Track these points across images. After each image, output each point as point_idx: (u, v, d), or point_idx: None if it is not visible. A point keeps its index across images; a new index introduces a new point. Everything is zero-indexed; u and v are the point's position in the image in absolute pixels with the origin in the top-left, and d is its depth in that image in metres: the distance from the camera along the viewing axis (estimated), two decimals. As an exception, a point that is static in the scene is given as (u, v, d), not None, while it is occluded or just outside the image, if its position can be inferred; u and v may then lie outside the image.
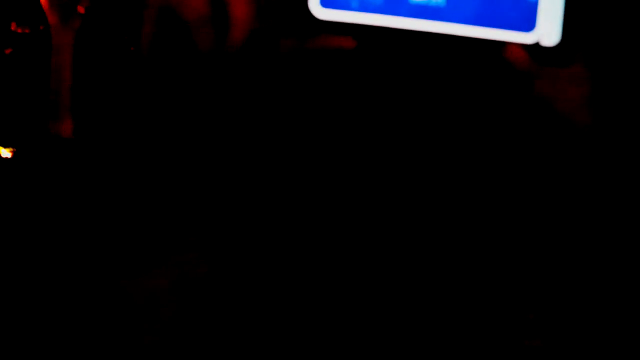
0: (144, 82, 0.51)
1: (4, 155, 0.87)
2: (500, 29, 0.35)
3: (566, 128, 0.40)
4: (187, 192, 0.50)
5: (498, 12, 0.35)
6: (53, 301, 0.56)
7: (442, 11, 0.35)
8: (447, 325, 0.52)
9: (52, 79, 0.70)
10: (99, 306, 0.54)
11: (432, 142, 0.51)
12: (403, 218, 0.51)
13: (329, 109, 0.50)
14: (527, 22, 0.35)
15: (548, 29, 0.35)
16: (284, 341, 0.52)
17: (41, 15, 0.76)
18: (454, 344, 0.52)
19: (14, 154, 0.83)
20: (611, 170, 0.41)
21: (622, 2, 0.37)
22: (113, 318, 0.54)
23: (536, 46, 0.36)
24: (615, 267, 0.45)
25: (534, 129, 0.47)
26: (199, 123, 0.48)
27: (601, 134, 0.40)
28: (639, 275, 0.44)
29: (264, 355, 0.53)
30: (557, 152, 0.44)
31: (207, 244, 0.53)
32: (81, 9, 0.78)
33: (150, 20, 0.49)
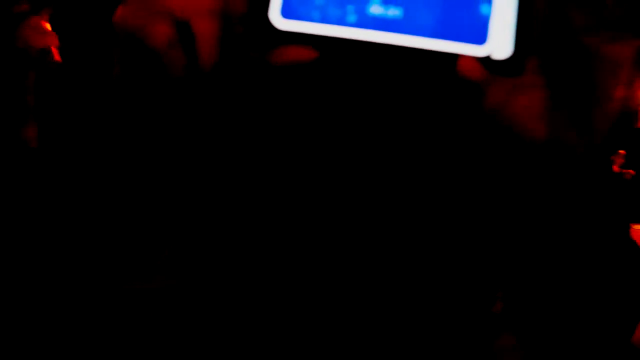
0: (114, 99, 0.51)
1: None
2: (453, 41, 0.39)
3: (518, 137, 0.42)
4: (156, 203, 0.52)
5: (452, 26, 0.38)
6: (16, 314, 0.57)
7: (399, 23, 0.39)
8: (413, 304, 0.56)
9: (16, 88, 0.70)
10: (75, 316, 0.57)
11: (386, 152, 0.55)
12: (357, 220, 0.55)
13: (290, 119, 0.53)
14: (480, 36, 0.39)
15: (499, 42, 0.38)
16: (264, 342, 0.55)
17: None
18: (421, 321, 0.56)
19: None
20: (560, 174, 0.44)
21: (570, 12, 0.40)
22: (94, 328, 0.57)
23: (488, 58, 0.39)
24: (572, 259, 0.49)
25: (486, 138, 0.51)
26: (173, 140, 0.49)
27: (552, 142, 0.43)
28: (592, 266, 0.49)
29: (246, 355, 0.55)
30: (509, 160, 0.46)
31: (179, 255, 0.55)
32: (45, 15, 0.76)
33: (117, 53, 0.48)
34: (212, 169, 0.53)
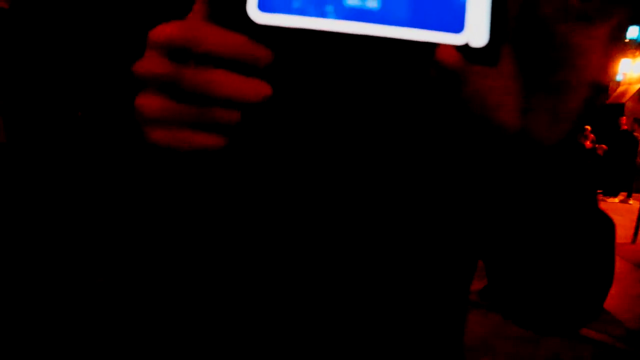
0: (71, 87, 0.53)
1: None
2: (431, 30, 0.36)
3: (491, 126, 0.41)
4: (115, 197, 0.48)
5: (429, 15, 0.36)
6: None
7: (377, 14, 0.36)
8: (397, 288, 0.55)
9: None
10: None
11: (366, 142, 0.52)
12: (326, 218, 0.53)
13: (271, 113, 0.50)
14: (456, 24, 0.36)
15: (476, 30, 0.36)
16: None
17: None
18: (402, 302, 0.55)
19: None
20: (532, 161, 0.43)
21: (541, 1, 0.38)
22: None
23: (466, 47, 0.36)
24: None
25: (463, 126, 0.48)
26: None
27: (524, 131, 0.41)
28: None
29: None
30: (485, 149, 0.45)
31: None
32: (4, 4, 0.75)
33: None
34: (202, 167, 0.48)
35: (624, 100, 14.66)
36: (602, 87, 0.40)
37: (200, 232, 0.53)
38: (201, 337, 0.55)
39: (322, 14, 0.37)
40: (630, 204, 9.60)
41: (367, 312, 0.55)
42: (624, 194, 10.02)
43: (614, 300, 4.00)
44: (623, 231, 6.44)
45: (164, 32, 0.37)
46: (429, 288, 0.58)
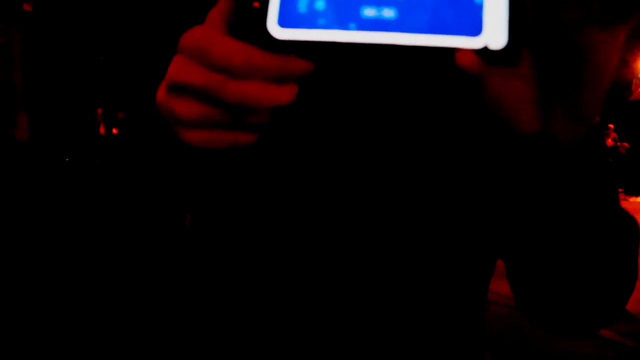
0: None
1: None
2: (450, 35, 0.36)
3: (511, 127, 0.41)
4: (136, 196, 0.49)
5: (446, 20, 0.37)
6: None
7: (395, 23, 0.37)
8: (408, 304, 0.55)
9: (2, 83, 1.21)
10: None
11: (386, 141, 0.53)
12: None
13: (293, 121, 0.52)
14: (474, 28, 0.36)
15: (494, 32, 0.36)
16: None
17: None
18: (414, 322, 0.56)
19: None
20: (552, 162, 0.43)
21: (559, 6, 0.38)
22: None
23: (485, 49, 0.36)
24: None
25: (483, 127, 0.50)
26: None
27: (544, 132, 0.41)
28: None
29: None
30: (504, 149, 0.45)
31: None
32: (27, 7, 1.25)
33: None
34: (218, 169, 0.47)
35: (647, 97, 14.31)
36: (625, 78, 0.39)
37: (210, 231, 0.54)
38: (208, 337, 0.55)
39: (341, 27, 0.37)
40: (653, 202, 9.40)
41: (382, 311, 0.56)
42: (647, 192, 9.82)
43: (636, 300, 3.91)
44: (646, 231, 6.27)
45: (197, 41, 0.38)
46: (446, 287, 0.58)
